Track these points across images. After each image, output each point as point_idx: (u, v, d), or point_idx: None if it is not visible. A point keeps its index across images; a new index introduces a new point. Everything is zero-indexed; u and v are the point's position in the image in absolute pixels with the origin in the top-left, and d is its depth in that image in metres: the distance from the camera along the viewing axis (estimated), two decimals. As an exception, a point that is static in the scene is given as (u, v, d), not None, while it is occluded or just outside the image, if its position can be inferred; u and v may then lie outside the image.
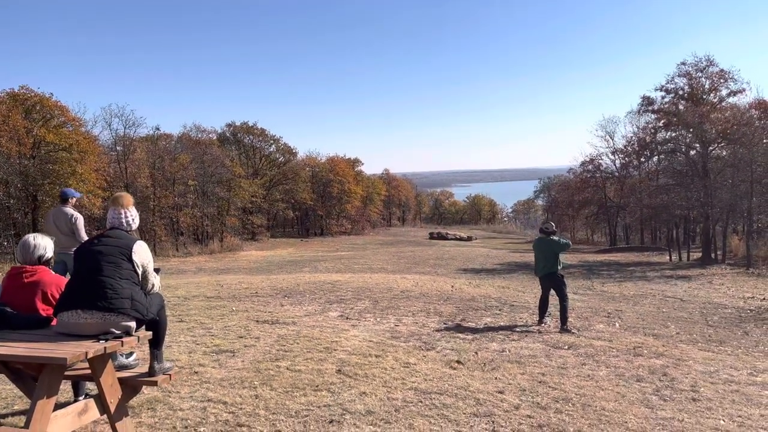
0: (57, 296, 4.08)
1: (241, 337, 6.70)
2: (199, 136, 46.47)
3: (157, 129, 40.16)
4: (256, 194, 46.83)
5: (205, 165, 39.14)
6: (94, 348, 3.23)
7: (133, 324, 3.55)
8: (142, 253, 3.71)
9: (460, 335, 7.36)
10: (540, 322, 8.46)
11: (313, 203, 56.87)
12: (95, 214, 30.19)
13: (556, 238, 8.56)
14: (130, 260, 3.64)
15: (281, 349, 6.13)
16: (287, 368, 5.36)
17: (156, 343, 3.87)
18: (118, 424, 3.65)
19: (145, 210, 33.45)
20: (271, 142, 53.85)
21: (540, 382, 5.32)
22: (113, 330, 3.50)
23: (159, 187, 35.75)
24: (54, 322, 3.81)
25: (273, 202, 51.71)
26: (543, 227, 8.91)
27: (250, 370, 5.28)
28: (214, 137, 48.95)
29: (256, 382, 4.90)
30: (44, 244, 4.22)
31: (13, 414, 4.32)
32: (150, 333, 3.74)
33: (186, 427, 3.91)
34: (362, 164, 68.15)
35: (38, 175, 25.66)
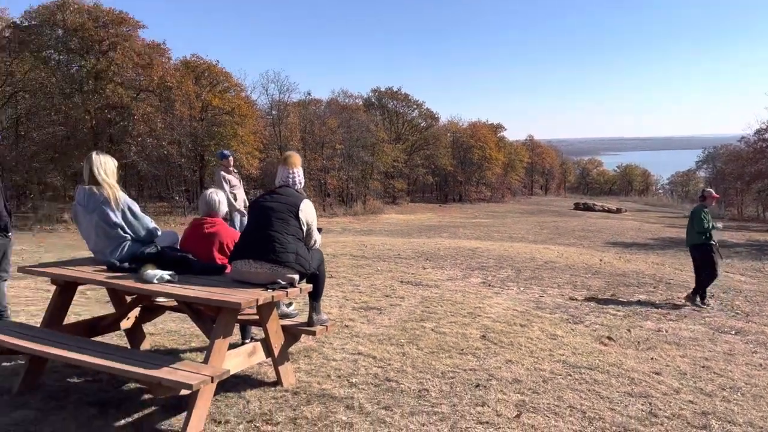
0: (231, 247, 4.46)
1: (387, 296, 6.92)
2: (346, 101, 47.99)
3: (309, 94, 42.09)
4: (398, 159, 47.62)
5: (352, 129, 40.44)
6: (263, 296, 3.49)
7: (296, 276, 3.78)
8: (307, 212, 3.93)
9: (611, 311, 7.01)
10: (701, 302, 7.82)
11: (453, 169, 56.67)
12: (252, 174, 32.56)
13: (705, 211, 7.98)
14: (297, 217, 3.86)
15: (425, 310, 6.24)
16: (432, 330, 5.46)
17: (315, 296, 4.10)
18: (280, 368, 3.96)
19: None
20: (414, 107, 54.19)
21: (703, 367, 4.93)
22: (280, 281, 3.75)
23: (309, 150, 37.62)
24: (227, 270, 4.17)
25: (413, 167, 52.30)
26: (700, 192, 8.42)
27: (397, 329, 5.44)
28: (360, 102, 50.27)
29: (402, 340, 5.04)
30: (222, 200, 4.61)
31: (190, 350, 4.84)
32: (310, 285, 3.96)
33: (339, 377, 4.14)
34: (505, 130, 66.46)
35: (205, 137, 28.12)
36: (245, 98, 31.57)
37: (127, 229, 4.30)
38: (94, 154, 4.31)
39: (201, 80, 28.83)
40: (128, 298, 4.68)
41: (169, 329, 5.33)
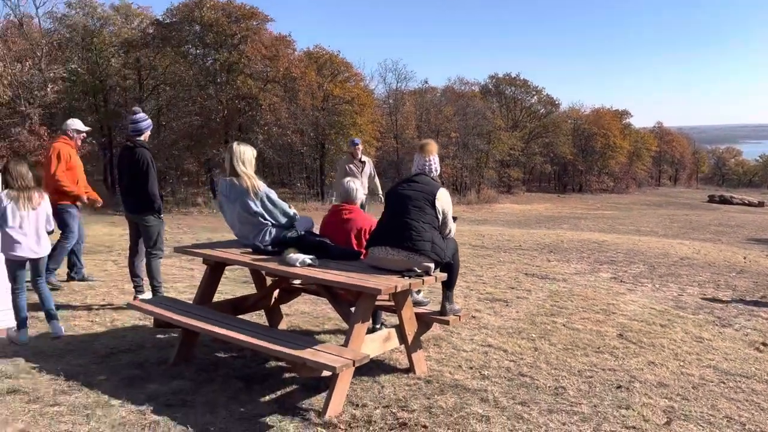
0: (368, 233, 4.55)
1: (512, 288, 6.75)
2: (462, 88, 47.48)
3: (426, 82, 42.11)
4: (515, 147, 46.46)
5: (467, 117, 39.98)
6: (401, 283, 3.51)
7: (432, 264, 3.76)
8: (443, 200, 3.90)
9: (763, 314, 6.38)
10: None
11: (573, 158, 54.37)
12: (369, 162, 33.15)
13: None
14: (433, 206, 3.84)
15: (554, 305, 6.02)
16: (563, 325, 5.25)
17: (449, 285, 4.07)
18: (413, 355, 3.98)
19: (412, 160, 35.63)
20: (533, 93, 52.50)
21: None
22: (415, 268, 3.76)
23: (424, 138, 37.76)
24: (363, 256, 4.25)
25: (531, 155, 50.79)
26: None
27: (526, 322, 5.30)
28: (477, 89, 49.52)
29: (533, 335, 4.90)
30: (359, 188, 4.72)
31: (324, 332, 5.00)
32: (444, 275, 3.93)
33: (471, 368, 4.09)
34: (631, 116, 62.65)
35: (326, 126, 29.05)
36: (364, 87, 32.18)
37: (267, 216, 4.49)
38: (234, 145, 4.52)
39: (323, 70, 29.75)
40: (269, 280, 4.93)
41: (303, 311, 5.55)
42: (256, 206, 4.42)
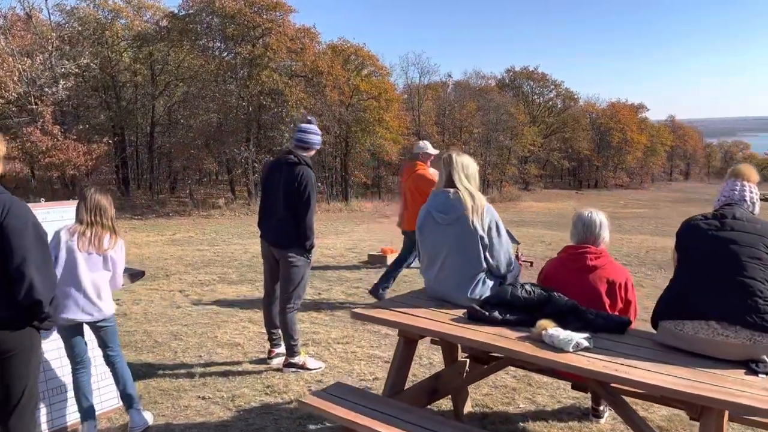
0: (629, 293, 3.19)
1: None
2: (479, 82, 46.05)
3: (449, 76, 40.70)
4: (535, 143, 45.11)
5: (489, 112, 38.61)
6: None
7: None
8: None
9: None
10: None
11: (590, 153, 53.05)
12: (392, 161, 31.78)
13: None
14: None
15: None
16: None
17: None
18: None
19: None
20: (552, 87, 51.08)
21: None
22: (765, 357, 2.43)
23: (447, 135, 36.37)
24: (631, 326, 2.93)
25: (550, 151, 49.43)
26: None
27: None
28: (493, 83, 48.10)
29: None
30: (605, 222, 3.38)
31: (522, 415, 3.65)
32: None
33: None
34: (647, 110, 61.35)
35: (352, 122, 27.62)
36: (390, 82, 30.78)
37: (487, 255, 3.22)
38: (453, 155, 3.33)
39: (348, 64, 28.31)
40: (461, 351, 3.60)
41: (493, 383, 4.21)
42: (477, 237, 3.18)
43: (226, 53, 25.36)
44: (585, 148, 51.46)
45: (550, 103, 52.06)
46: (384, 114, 27.77)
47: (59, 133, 20.73)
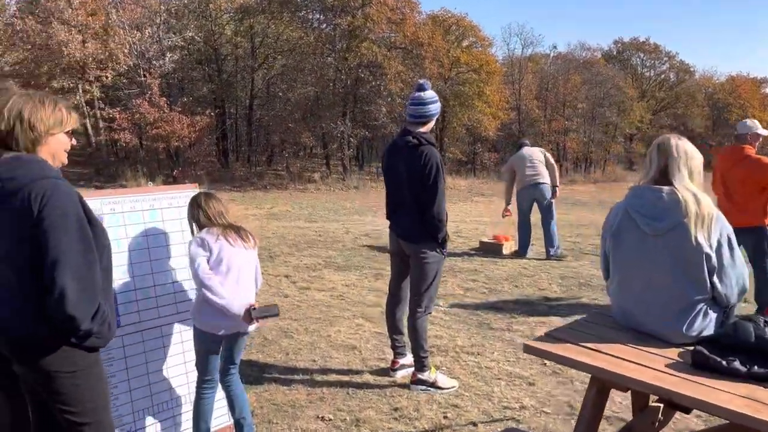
0: None
1: None
2: (584, 55, 43.31)
3: (554, 47, 38.55)
4: (643, 119, 42.05)
5: (596, 87, 36.20)
6: None
7: None
8: None
9: None
10: None
11: (704, 131, 48.89)
12: (490, 137, 30.51)
13: None
14: None
15: None
16: None
17: None
18: None
19: (535, 134, 32.70)
20: (665, 59, 47.29)
21: None
22: None
23: (549, 110, 34.49)
24: None
25: (659, 128, 45.96)
26: None
27: None
28: (599, 56, 45.12)
29: None
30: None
31: None
32: None
33: None
34: (772, 84, 55.58)
35: (449, 96, 26.60)
36: (492, 54, 29.37)
37: (714, 279, 2.40)
38: (672, 140, 2.48)
39: (448, 35, 27.19)
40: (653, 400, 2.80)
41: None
42: (702, 257, 2.39)
43: (325, 25, 24.93)
44: (699, 126, 47.47)
45: (662, 76, 48.29)
46: (484, 87, 26.52)
47: (165, 105, 21.21)
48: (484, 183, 26.44)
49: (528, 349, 2.48)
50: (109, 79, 21.75)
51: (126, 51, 21.54)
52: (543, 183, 8.08)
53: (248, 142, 29.06)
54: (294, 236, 10.05)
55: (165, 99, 21.54)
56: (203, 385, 2.93)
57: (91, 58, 20.83)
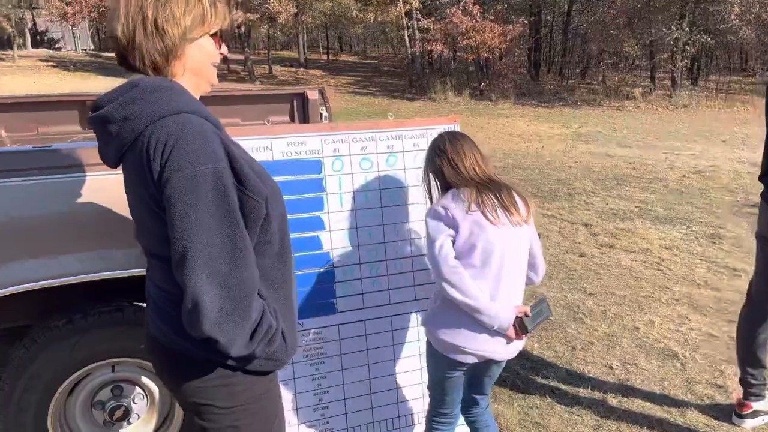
0: None
1: None
2: None
3: None
4: None
5: None
6: None
7: None
8: None
9: None
10: None
11: None
12: None
13: None
14: None
15: None
16: None
17: None
18: None
19: None
20: None
21: None
22: None
23: None
24: None
25: None
26: None
27: None
28: None
29: None
30: None
31: None
32: None
33: None
34: None
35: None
36: None
37: None
38: None
39: None
40: None
41: None
42: None
43: None
44: None
45: None
46: None
47: (478, 13, 20.42)
48: None
49: None
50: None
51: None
52: None
53: (562, 52, 26.87)
54: (601, 167, 8.44)
55: (479, 7, 20.72)
56: (437, 418, 2.03)
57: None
